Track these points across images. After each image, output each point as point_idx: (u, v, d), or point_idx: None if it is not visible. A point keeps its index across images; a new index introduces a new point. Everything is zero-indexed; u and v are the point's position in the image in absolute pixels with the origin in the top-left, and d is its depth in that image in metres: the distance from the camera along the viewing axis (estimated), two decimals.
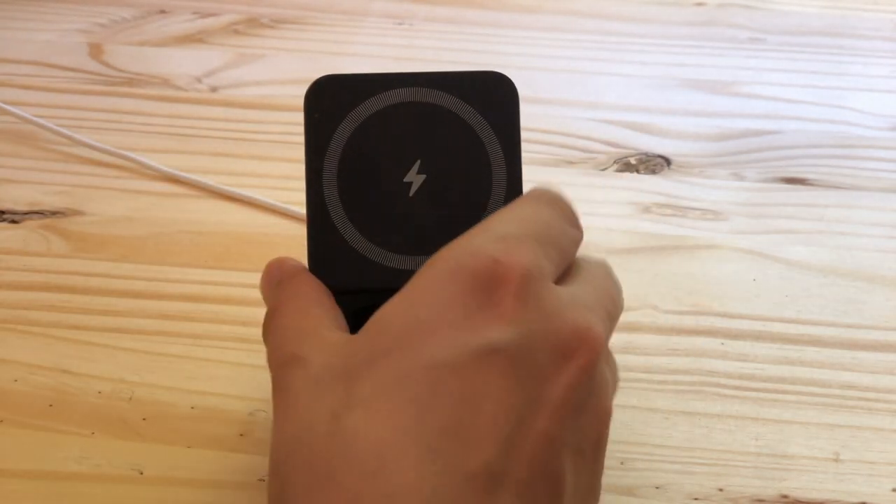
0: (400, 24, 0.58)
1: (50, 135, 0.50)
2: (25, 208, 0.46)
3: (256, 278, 0.43)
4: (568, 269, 0.28)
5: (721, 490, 0.35)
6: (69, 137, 0.50)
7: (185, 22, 0.58)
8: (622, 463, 0.35)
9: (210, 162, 0.49)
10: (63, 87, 0.53)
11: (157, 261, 0.43)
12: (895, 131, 0.50)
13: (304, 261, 0.32)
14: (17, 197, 0.47)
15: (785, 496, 0.35)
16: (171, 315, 0.41)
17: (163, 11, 0.59)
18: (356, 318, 0.28)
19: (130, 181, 0.48)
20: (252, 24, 0.58)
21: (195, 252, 0.44)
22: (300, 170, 0.49)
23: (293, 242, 0.44)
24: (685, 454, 0.36)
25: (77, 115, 0.51)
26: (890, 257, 0.43)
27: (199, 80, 0.54)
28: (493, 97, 0.31)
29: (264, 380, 0.39)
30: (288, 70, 0.54)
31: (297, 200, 0.46)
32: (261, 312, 0.41)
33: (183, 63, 0.55)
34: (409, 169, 0.30)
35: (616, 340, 0.29)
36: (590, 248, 0.31)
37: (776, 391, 0.38)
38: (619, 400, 0.29)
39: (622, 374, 0.30)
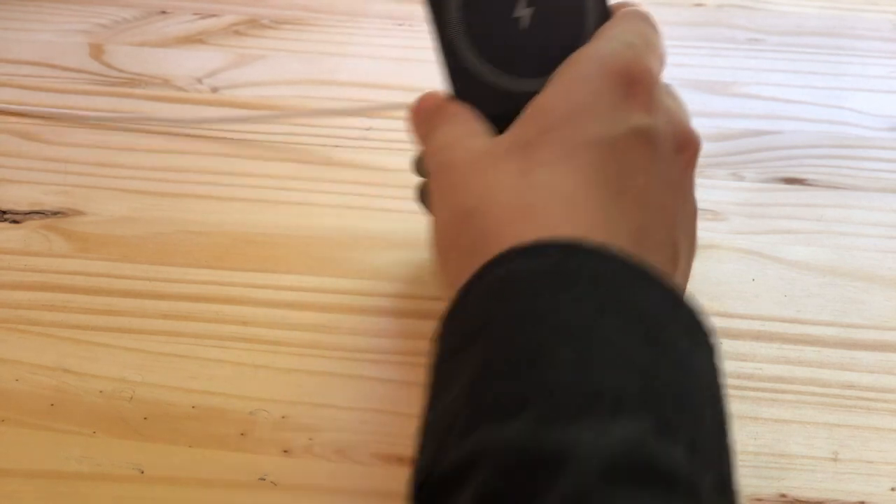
0: (400, 24, 0.58)
1: (51, 135, 0.50)
2: (26, 208, 0.46)
3: (256, 278, 0.43)
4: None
5: None
6: (70, 138, 0.50)
7: (185, 22, 0.58)
8: None
9: (210, 162, 0.49)
10: (64, 88, 0.54)
11: (157, 261, 0.44)
12: (894, 131, 0.50)
13: None
14: (18, 197, 0.47)
15: (784, 495, 0.35)
16: (171, 315, 0.41)
17: (163, 12, 0.59)
18: None
19: (131, 181, 0.48)
20: (252, 25, 0.58)
21: (195, 252, 0.44)
22: (300, 170, 0.49)
23: (294, 242, 0.44)
24: None
25: (78, 115, 0.51)
26: (889, 257, 0.44)
27: (199, 80, 0.54)
28: None
29: (265, 379, 0.39)
30: (288, 70, 0.55)
31: (297, 200, 0.47)
32: (261, 313, 0.41)
33: (183, 63, 0.55)
34: (517, 4, 0.34)
35: None
36: None
37: (775, 391, 0.38)
38: None
39: None
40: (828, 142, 0.50)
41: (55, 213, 0.46)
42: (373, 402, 0.38)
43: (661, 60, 0.34)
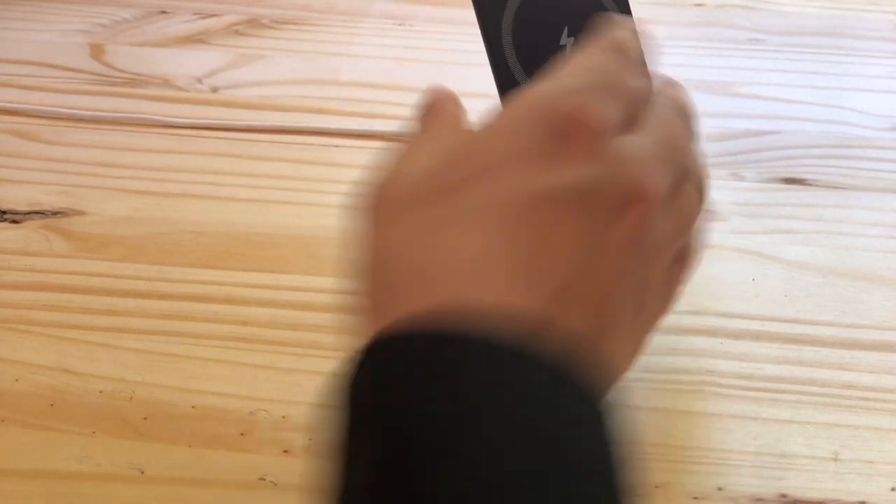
0: (400, 24, 0.58)
1: (51, 135, 0.50)
2: (26, 208, 0.46)
3: (256, 278, 0.43)
4: (639, 114, 0.31)
5: (720, 489, 0.35)
6: (70, 138, 0.50)
7: (185, 22, 0.58)
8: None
9: (210, 162, 0.49)
10: (64, 88, 0.54)
11: (157, 261, 0.44)
12: (894, 131, 0.50)
13: None
14: (18, 197, 0.47)
15: (784, 495, 0.35)
16: (171, 315, 0.41)
17: (164, 12, 0.59)
18: None
19: (131, 181, 0.48)
20: (253, 25, 0.58)
21: (196, 252, 0.44)
22: (300, 170, 0.49)
23: (294, 242, 0.44)
24: (685, 453, 0.36)
25: (78, 115, 0.51)
26: (888, 257, 0.44)
27: (199, 80, 0.54)
28: None
29: (265, 379, 0.39)
30: (288, 70, 0.55)
31: (297, 200, 0.47)
32: (261, 313, 0.41)
33: (184, 63, 0.55)
34: (561, 34, 0.35)
35: None
36: None
37: (775, 391, 0.38)
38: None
39: None
40: (828, 142, 0.50)
41: (55, 213, 0.46)
42: None
43: (625, 98, 0.30)
